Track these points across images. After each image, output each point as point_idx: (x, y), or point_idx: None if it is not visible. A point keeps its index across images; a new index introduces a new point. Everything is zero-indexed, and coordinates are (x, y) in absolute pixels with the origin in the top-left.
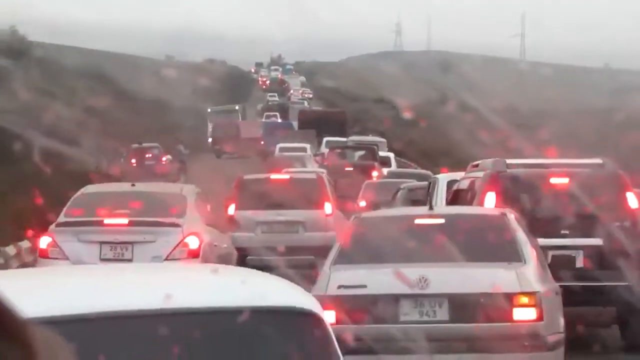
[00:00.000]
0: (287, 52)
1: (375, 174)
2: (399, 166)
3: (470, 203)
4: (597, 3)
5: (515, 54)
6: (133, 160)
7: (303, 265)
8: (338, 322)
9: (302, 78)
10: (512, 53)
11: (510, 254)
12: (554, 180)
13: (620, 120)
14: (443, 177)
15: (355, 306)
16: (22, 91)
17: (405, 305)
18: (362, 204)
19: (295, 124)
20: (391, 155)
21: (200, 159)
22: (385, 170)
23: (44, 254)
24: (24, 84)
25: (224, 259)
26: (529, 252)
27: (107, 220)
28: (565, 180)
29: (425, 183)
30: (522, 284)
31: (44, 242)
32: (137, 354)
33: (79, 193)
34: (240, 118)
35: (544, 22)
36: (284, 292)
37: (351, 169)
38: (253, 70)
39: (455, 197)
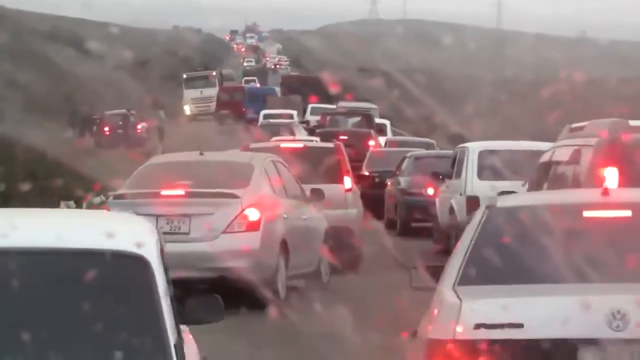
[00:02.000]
0: (263, 20)
1: (372, 142)
2: (393, 135)
3: (575, 183)
4: None
5: (492, 23)
6: (106, 129)
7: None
8: None
9: (279, 45)
10: (488, 22)
11: None
12: None
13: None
14: (474, 147)
15: (507, 359)
16: None
17: (590, 358)
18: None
19: (277, 89)
20: (387, 122)
21: (177, 126)
22: (383, 139)
23: None
24: None
25: (300, 233)
26: None
27: (163, 192)
28: None
29: (435, 152)
30: None
31: None
32: None
33: (145, 164)
34: (217, 84)
35: None
36: (111, 236)
37: (346, 137)
38: (228, 38)
39: (546, 173)
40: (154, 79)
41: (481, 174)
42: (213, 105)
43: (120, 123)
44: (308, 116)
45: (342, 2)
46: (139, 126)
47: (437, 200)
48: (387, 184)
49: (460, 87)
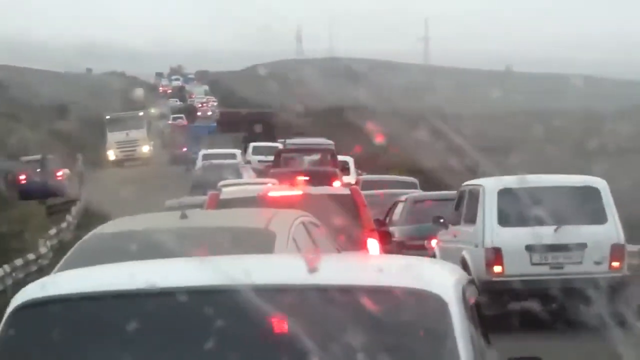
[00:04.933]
0: (188, 62)
1: (337, 183)
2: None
3: None
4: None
5: (420, 60)
6: (22, 177)
7: None
8: None
9: (205, 87)
10: (416, 59)
11: None
12: None
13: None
14: (491, 185)
15: None
16: None
17: None
18: None
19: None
20: (350, 159)
21: (100, 172)
22: (347, 179)
23: None
24: None
25: None
26: None
27: None
28: None
29: (436, 193)
30: None
31: None
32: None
33: (90, 234)
34: (145, 125)
35: (447, 27)
36: (410, 274)
37: (307, 177)
38: (153, 82)
39: None
40: (75, 123)
41: (503, 219)
42: (140, 148)
43: (38, 170)
44: (250, 156)
45: (267, 43)
46: (59, 173)
47: (436, 250)
48: None
49: (397, 123)
